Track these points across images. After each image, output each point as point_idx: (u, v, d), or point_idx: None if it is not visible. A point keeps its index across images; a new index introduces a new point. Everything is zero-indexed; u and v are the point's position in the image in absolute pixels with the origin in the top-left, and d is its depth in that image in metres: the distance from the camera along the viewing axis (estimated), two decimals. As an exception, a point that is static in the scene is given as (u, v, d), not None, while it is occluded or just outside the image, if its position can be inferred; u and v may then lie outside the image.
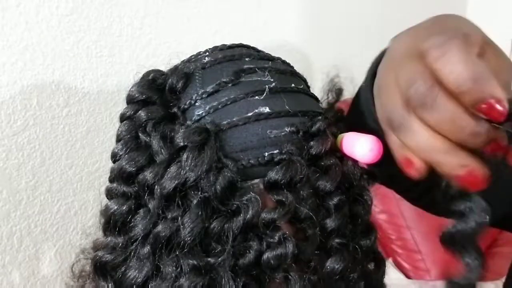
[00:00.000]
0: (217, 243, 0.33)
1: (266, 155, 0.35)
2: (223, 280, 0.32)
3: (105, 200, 0.38)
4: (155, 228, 0.33)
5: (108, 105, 0.72)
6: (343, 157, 0.38)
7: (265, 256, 0.34)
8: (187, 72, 0.38)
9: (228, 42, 0.42)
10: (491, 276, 1.11)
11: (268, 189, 0.35)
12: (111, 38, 0.70)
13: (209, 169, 0.33)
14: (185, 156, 0.33)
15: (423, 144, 0.28)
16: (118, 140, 0.38)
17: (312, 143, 0.36)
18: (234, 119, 0.35)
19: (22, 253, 0.65)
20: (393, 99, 0.29)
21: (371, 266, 0.40)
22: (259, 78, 0.37)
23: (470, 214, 0.32)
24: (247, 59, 0.39)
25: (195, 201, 0.33)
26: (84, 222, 0.73)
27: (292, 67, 0.42)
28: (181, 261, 0.33)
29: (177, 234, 0.33)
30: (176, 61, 0.41)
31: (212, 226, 0.33)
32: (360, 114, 0.40)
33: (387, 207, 1.06)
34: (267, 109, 0.36)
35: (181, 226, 0.32)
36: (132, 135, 0.37)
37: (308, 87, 0.42)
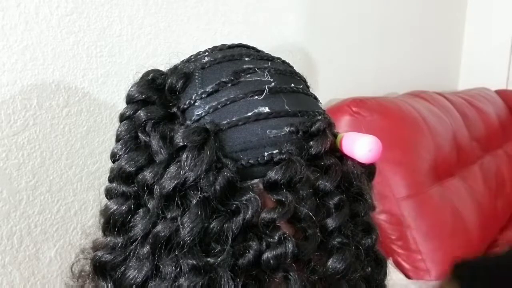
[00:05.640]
0: (216, 243, 0.33)
1: (265, 155, 0.35)
2: (223, 280, 0.32)
3: (105, 200, 0.38)
4: (155, 228, 0.33)
5: (108, 105, 0.72)
6: (343, 157, 0.38)
7: (264, 256, 0.33)
8: (186, 72, 0.38)
9: (228, 42, 0.42)
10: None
11: (268, 189, 0.35)
12: (111, 38, 0.70)
13: (208, 169, 0.33)
14: (184, 156, 0.33)
15: None
16: (117, 140, 0.38)
17: (311, 143, 0.36)
18: (234, 119, 0.35)
19: (22, 253, 0.65)
20: None
21: (372, 265, 0.40)
22: (258, 78, 0.37)
23: None
24: (247, 59, 0.39)
25: (194, 201, 0.33)
26: (84, 222, 0.73)
27: (292, 67, 0.42)
28: (181, 261, 0.33)
29: (176, 234, 0.33)
30: (176, 61, 0.41)
31: (211, 226, 0.33)
32: None
33: (387, 207, 1.06)
34: (266, 109, 0.36)
35: (181, 226, 0.32)
36: (131, 135, 0.37)
37: (308, 87, 0.42)
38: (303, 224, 0.35)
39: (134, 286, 0.34)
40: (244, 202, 0.33)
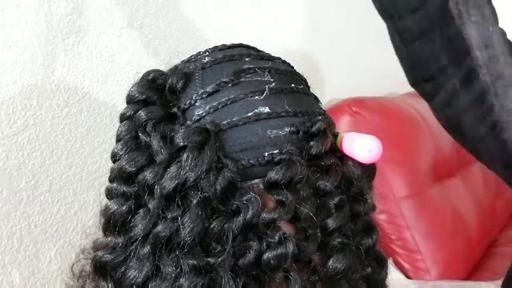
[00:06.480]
0: (217, 243, 0.33)
1: (266, 155, 0.35)
2: (223, 280, 0.32)
3: (105, 200, 0.38)
4: (155, 228, 0.33)
5: (108, 105, 0.72)
6: (343, 157, 0.38)
7: (265, 256, 0.33)
8: (187, 72, 0.38)
9: (228, 42, 0.42)
10: (491, 276, 1.11)
11: (268, 189, 0.35)
12: (111, 38, 0.70)
13: (209, 169, 0.33)
14: (185, 156, 0.33)
15: None
16: (118, 140, 0.38)
17: (312, 143, 0.36)
18: (234, 119, 0.35)
19: (22, 253, 0.65)
20: None
21: (373, 265, 0.40)
22: (259, 78, 0.37)
23: None
24: (247, 59, 0.39)
25: (195, 201, 0.33)
26: (84, 222, 0.73)
27: (292, 67, 0.42)
28: (181, 261, 0.33)
29: (177, 234, 0.33)
30: (176, 61, 0.41)
31: (212, 226, 0.33)
32: None
33: (387, 207, 1.06)
34: (267, 109, 0.36)
35: (181, 226, 0.32)
36: (132, 135, 0.37)
37: (308, 87, 0.42)
38: (303, 224, 0.35)
39: (134, 286, 0.34)
40: (245, 202, 0.33)
